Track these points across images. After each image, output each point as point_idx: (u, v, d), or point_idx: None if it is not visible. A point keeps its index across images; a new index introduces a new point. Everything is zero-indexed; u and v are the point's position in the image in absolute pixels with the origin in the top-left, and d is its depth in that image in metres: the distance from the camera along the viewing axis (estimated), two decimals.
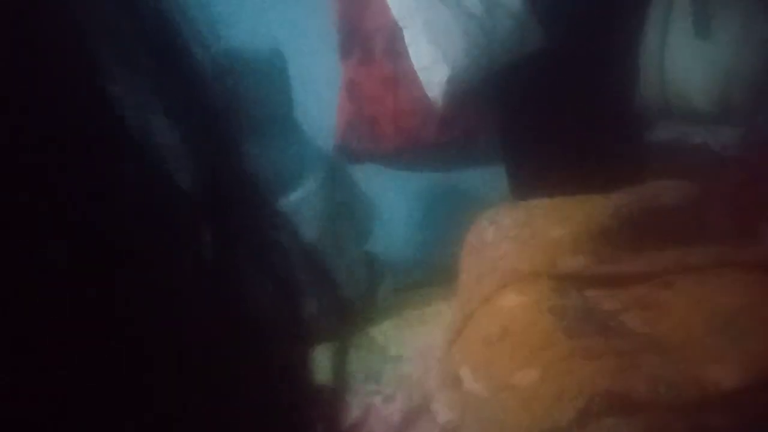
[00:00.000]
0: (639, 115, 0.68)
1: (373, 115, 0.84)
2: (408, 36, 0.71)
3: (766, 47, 0.64)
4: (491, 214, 0.62)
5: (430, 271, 0.67)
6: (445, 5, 0.70)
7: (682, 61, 0.65)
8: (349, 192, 0.82)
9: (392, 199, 0.83)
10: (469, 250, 0.60)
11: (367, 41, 0.80)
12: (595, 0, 0.68)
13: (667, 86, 0.66)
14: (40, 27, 0.19)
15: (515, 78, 0.70)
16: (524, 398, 0.47)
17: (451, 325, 0.52)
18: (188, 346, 0.22)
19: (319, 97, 0.85)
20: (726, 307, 0.46)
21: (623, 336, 0.48)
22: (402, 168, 0.83)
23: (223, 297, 0.23)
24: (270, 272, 0.24)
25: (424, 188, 0.83)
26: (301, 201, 0.83)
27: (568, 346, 0.48)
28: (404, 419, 0.51)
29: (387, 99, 0.82)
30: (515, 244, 0.58)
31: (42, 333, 0.18)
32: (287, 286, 0.25)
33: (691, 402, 0.44)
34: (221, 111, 0.24)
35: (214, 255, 0.25)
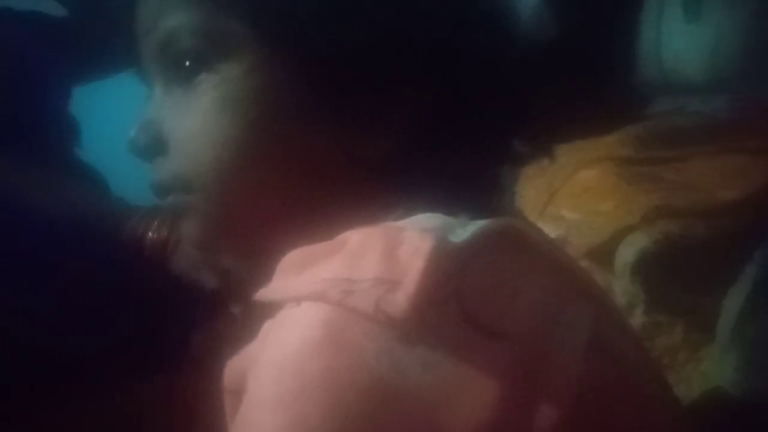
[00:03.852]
0: (640, 90, 0.95)
1: None
2: None
3: (747, 26, 0.85)
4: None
5: None
6: None
7: (676, 42, 0.91)
8: None
9: None
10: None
11: None
12: None
13: (664, 64, 0.94)
14: None
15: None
16: (607, 215, 0.77)
17: (545, 189, 0.81)
18: None
19: None
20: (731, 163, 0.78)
21: (663, 181, 0.78)
22: None
23: None
24: None
25: None
26: None
27: (630, 188, 0.78)
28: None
29: None
30: (570, 159, 0.88)
31: None
32: None
33: (710, 209, 0.75)
34: None
35: None
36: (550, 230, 0.77)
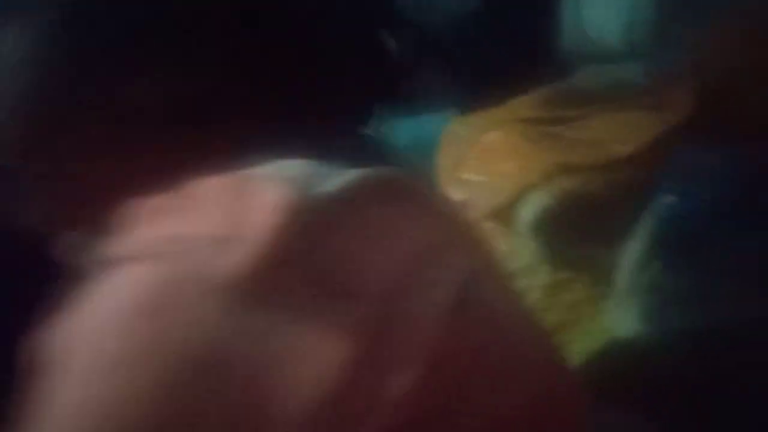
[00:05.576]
0: (563, 58, 0.96)
1: None
2: None
3: None
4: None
5: None
6: None
7: (597, 12, 0.90)
8: None
9: None
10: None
11: None
12: None
13: (585, 34, 0.94)
14: None
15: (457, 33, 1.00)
16: (509, 175, 0.78)
17: (456, 154, 0.82)
18: None
19: None
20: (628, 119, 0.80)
21: (563, 139, 0.79)
22: None
23: None
24: None
25: None
26: None
27: (532, 147, 0.79)
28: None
29: None
30: (481, 123, 0.89)
31: None
32: None
33: (606, 163, 0.76)
34: None
35: None
36: (457, 194, 0.79)
